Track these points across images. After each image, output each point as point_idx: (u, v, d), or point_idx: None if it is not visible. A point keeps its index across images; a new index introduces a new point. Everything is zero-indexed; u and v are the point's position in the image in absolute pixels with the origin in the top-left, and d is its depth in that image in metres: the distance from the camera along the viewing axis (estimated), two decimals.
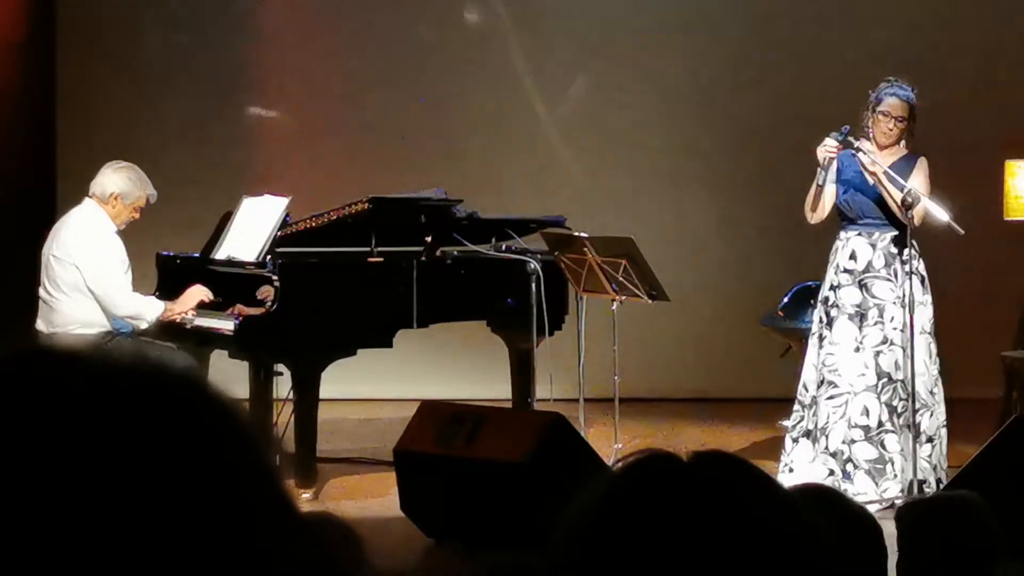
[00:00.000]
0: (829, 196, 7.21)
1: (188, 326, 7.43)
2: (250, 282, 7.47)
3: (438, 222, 7.89)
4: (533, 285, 7.82)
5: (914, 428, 7.00)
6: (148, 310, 7.38)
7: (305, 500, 7.20)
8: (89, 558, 0.84)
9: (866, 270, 7.13)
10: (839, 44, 10.42)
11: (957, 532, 2.74)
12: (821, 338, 7.20)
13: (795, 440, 7.22)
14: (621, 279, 7.61)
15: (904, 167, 7.15)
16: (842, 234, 7.24)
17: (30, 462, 0.85)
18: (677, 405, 9.99)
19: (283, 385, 7.63)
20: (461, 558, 6.25)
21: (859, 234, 7.18)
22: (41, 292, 7.49)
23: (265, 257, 7.43)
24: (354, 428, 9.15)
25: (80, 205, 7.54)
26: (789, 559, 1.24)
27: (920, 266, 7.11)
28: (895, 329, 7.06)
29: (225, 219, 7.89)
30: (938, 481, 7.07)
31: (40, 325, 7.49)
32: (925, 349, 7.11)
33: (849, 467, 7.03)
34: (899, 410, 7.04)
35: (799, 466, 7.14)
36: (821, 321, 7.23)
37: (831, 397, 7.07)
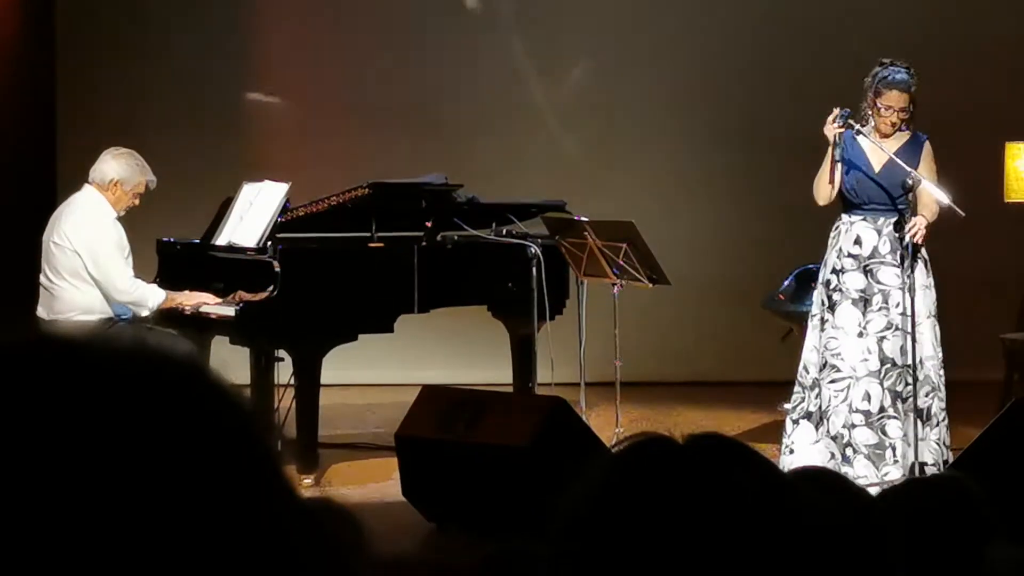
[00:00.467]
0: (838, 174, 7.12)
1: (187, 312, 7.43)
2: (251, 268, 7.47)
3: (438, 207, 7.89)
4: (534, 270, 7.82)
5: (924, 412, 6.98)
6: (150, 296, 7.38)
7: (306, 485, 7.20)
8: (90, 543, 0.84)
9: (872, 256, 7.06)
10: (845, 35, 10.36)
11: (938, 513, 2.73)
12: (823, 320, 7.17)
13: (795, 422, 7.20)
14: (622, 263, 7.61)
15: (911, 152, 7.08)
16: (845, 217, 7.15)
17: (31, 449, 0.86)
18: (678, 389, 9.98)
19: (284, 371, 7.64)
20: (463, 543, 6.25)
21: (864, 219, 7.10)
22: (41, 279, 7.48)
23: (266, 243, 7.43)
24: (355, 413, 9.15)
25: (80, 191, 7.53)
26: (786, 541, 1.24)
27: (923, 250, 7.08)
28: (900, 315, 7.03)
29: (225, 205, 7.89)
30: (945, 462, 7.05)
31: (41, 312, 7.48)
32: (932, 332, 7.09)
33: (849, 451, 7.02)
34: (904, 395, 7.01)
35: (800, 447, 7.12)
36: (823, 304, 7.19)
37: (833, 381, 7.05)
